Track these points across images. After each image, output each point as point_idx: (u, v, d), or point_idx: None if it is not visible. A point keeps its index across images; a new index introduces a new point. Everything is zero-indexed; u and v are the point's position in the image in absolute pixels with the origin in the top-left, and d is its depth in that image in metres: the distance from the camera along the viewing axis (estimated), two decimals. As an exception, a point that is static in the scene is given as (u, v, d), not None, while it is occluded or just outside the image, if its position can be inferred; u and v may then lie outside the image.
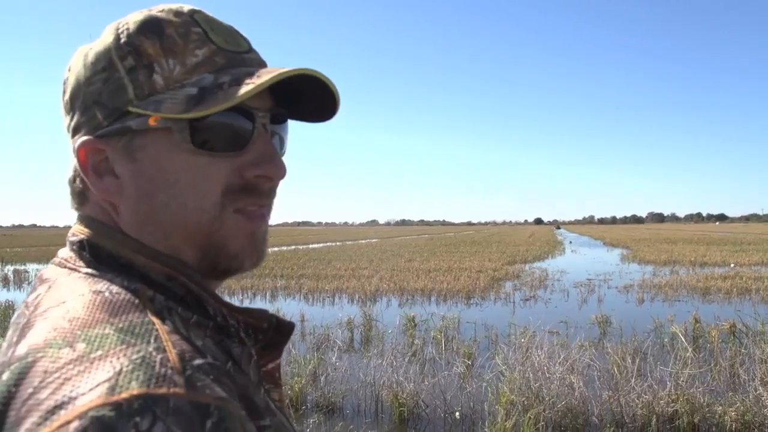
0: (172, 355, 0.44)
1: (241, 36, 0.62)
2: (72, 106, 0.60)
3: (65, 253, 0.60)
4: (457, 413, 5.44)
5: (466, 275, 16.19)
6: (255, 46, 0.64)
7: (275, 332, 0.61)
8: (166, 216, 0.57)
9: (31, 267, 22.66)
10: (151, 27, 0.57)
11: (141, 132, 0.56)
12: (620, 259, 24.65)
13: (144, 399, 0.40)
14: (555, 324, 9.16)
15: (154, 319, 0.48)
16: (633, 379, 5.52)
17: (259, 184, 0.59)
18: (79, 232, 0.60)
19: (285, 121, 0.65)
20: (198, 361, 0.45)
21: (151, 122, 0.56)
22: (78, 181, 0.62)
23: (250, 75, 0.56)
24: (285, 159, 0.62)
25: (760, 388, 5.34)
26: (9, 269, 21.62)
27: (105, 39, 0.59)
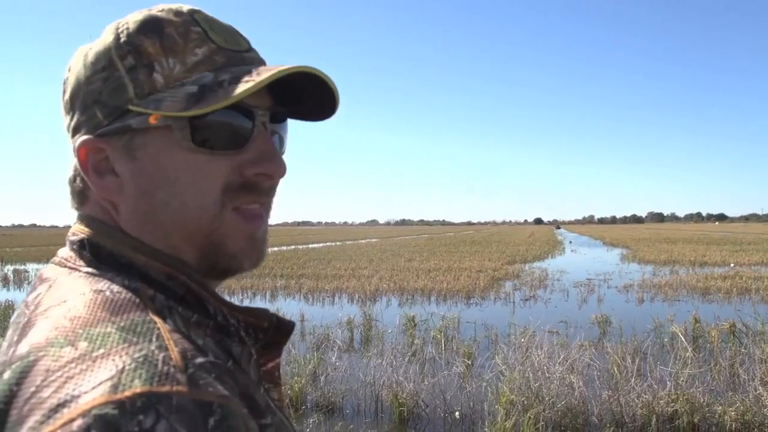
0: (175, 353, 0.44)
1: (241, 35, 0.63)
2: (72, 106, 0.60)
3: (65, 252, 0.60)
4: (457, 413, 5.44)
5: (465, 275, 16.19)
6: (254, 45, 0.64)
7: (275, 331, 0.61)
8: (166, 214, 0.57)
9: (31, 267, 22.65)
10: (151, 26, 0.58)
11: (141, 130, 0.57)
12: (620, 259, 24.66)
13: (147, 397, 0.40)
14: (555, 324, 9.16)
15: (156, 318, 0.48)
16: (633, 379, 5.52)
17: (259, 182, 0.59)
18: (79, 231, 0.60)
19: (284, 120, 0.65)
20: (200, 360, 0.45)
21: (152, 121, 0.56)
22: (78, 180, 0.62)
23: (250, 73, 0.56)
24: (285, 158, 0.62)
25: (759, 387, 5.34)
26: (9, 269, 21.62)
27: (105, 39, 0.59)
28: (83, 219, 0.61)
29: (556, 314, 10.44)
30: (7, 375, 0.44)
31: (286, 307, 11.54)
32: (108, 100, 0.57)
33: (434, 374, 6.25)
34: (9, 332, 0.53)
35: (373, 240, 50.73)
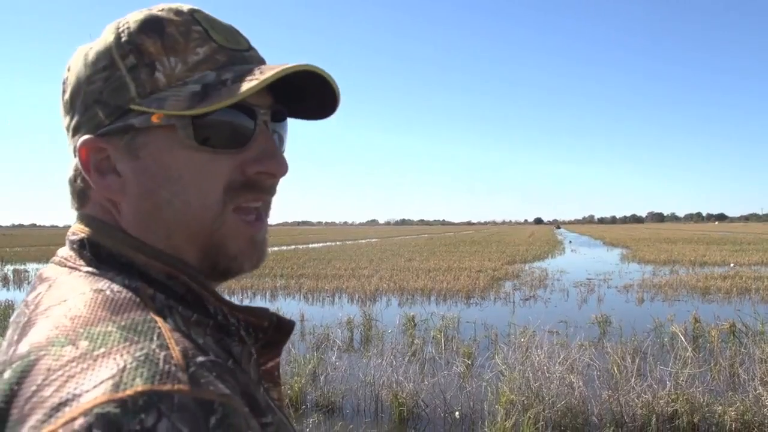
0: (176, 352, 0.44)
1: (240, 34, 0.63)
2: (72, 106, 0.60)
3: (65, 252, 0.60)
4: (457, 413, 5.44)
5: (465, 275, 16.18)
6: (253, 45, 0.64)
7: (275, 331, 0.61)
8: (168, 213, 0.57)
9: (31, 266, 22.65)
10: (151, 26, 0.58)
11: (143, 130, 0.57)
12: (620, 259, 24.65)
13: (149, 396, 0.40)
14: (555, 324, 9.16)
15: (156, 317, 0.48)
16: (633, 379, 5.52)
17: (260, 181, 0.60)
18: (79, 231, 0.60)
19: (284, 119, 0.65)
20: (201, 358, 0.45)
21: (154, 120, 0.56)
22: (79, 180, 0.62)
23: (253, 72, 0.56)
24: (285, 157, 0.62)
25: (759, 387, 5.34)
26: (9, 269, 21.61)
27: (105, 38, 0.59)
28: (83, 218, 0.61)
29: (556, 314, 10.44)
30: (7, 374, 0.44)
31: (286, 307, 11.54)
32: (109, 100, 0.57)
33: (434, 374, 6.25)
34: (9, 332, 0.53)
35: (373, 240, 50.72)
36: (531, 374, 5.49)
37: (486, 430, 4.93)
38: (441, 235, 62.69)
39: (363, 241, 48.72)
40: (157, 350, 0.44)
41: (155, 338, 0.45)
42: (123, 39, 0.57)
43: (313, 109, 0.65)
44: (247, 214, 0.60)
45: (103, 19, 0.62)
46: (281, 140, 0.65)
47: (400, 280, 14.99)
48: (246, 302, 12.09)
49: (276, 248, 33.57)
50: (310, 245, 39.32)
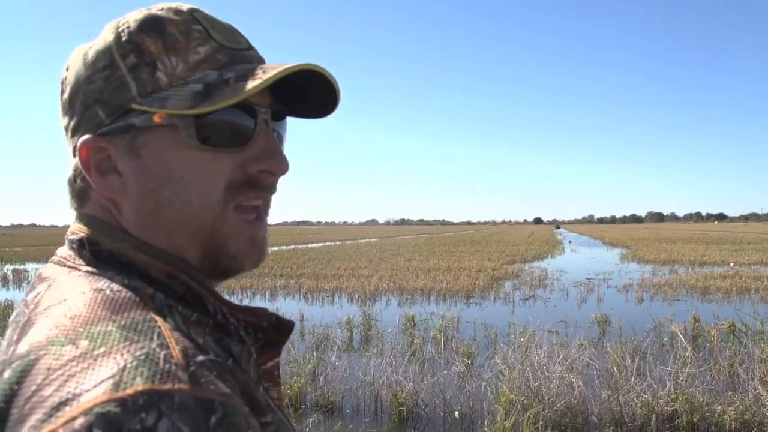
0: (176, 351, 0.44)
1: (240, 34, 0.63)
2: (71, 105, 0.60)
3: (64, 251, 0.60)
4: (457, 412, 5.44)
5: (465, 275, 16.18)
6: (252, 44, 0.64)
7: (275, 331, 0.61)
8: (170, 213, 0.57)
9: (31, 266, 22.63)
10: (152, 25, 0.58)
11: (145, 129, 0.57)
12: (620, 259, 24.65)
13: (149, 395, 0.40)
14: (554, 323, 9.17)
15: (156, 317, 0.48)
16: (632, 379, 5.52)
17: (261, 179, 0.60)
18: (78, 230, 0.60)
19: (284, 118, 0.65)
20: (201, 358, 0.46)
21: (156, 119, 0.56)
22: (79, 180, 0.61)
23: (255, 71, 0.57)
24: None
25: (759, 387, 5.35)
26: (8, 268, 21.60)
27: (105, 37, 0.59)
28: (82, 218, 0.61)
29: (555, 314, 10.44)
30: (7, 374, 0.44)
31: (286, 307, 11.53)
32: (110, 99, 0.57)
33: (434, 374, 6.25)
34: (8, 331, 0.53)
35: (373, 240, 50.72)
36: (531, 374, 5.49)
37: (486, 429, 4.94)
38: (441, 235, 62.69)
39: (363, 240, 48.72)
40: (158, 349, 0.44)
41: (155, 337, 0.45)
42: (123, 38, 0.57)
43: (313, 108, 0.66)
44: (247, 213, 0.60)
45: (103, 19, 0.62)
46: (280, 139, 0.65)
47: (399, 280, 14.99)
48: (246, 302, 12.11)
49: (275, 248, 33.56)
50: (310, 245, 39.31)
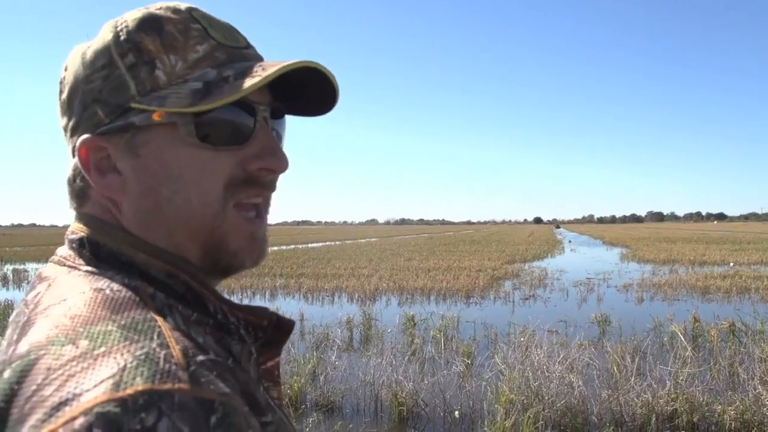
0: (176, 351, 0.44)
1: (238, 32, 0.63)
2: (70, 105, 0.60)
3: (64, 251, 0.59)
4: (457, 412, 5.44)
5: (465, 274, 16.18)
6: (251, 43, 0.64)
7: (275, 330, 0.61)
8: (170, 211, 0.57)
9: (31, 266, 22.63)
10: (150, 24, 0.58)
11: (144, 128, 0.57)
12: (620, 258, 24.65)
13: (149, 395, 0.40)
14: (554, 323, 9.17)
15: (156, 316, 0.48)
16: (632, 378, 5.52)
17: (261, 177, 0.60)
18: (78, 230, 0.60)
19: (282, 116, 0.65)
20: (201, 357, 0.45)
21: (155, 117, 0.56)
22: (78, 180, 0.61)
23: (254, 68, 0.57)
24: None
25: (759, 387, 5.35)
26: (8, 268, 21.60)
27: (104, 36, 0.59)
28: (82, 218, 0.61)
29: (555, 313, 10.44)
30: (7, 374, 0.44)
31: (286, 307, 11.53)
32: (109, 98, 0.57)
33: (434, 373, 6.25)
34: (8, 331, 0.53)
35: (373, 239, 50.72)
36: (531, 374, 5.49)
37: (485, 429, 4.94)
38: (440, 235, 62.69)
39: (362, 240, 48.72)
40: (158, 349, 0.44)
41: (155, 337, 0.45)
42: (122, 37, 0.57)
43: (311, 106, 0.66)
44: (247, 211, 0.60)
45: (104, 19, 0.62)
46: (280, 137, 0.65)
47: (399, 280, 14.99)
48: (246, 301, 12.07)
49: (276, 248, 33.57)
50: (310, 245, 39.32)
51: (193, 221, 0.57)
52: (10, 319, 0.55)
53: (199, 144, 0.56)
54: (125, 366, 0.41)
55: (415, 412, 5.59)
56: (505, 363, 5.95)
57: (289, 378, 6.01)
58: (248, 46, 0.62)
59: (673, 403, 5.10)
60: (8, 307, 11.04)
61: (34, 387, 0.41)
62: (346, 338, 8.76)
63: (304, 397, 5.95)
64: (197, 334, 0.52)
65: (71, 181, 0.62)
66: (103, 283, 0.52)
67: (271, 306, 11.21)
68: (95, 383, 0.40)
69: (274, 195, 0.64)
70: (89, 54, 0.59)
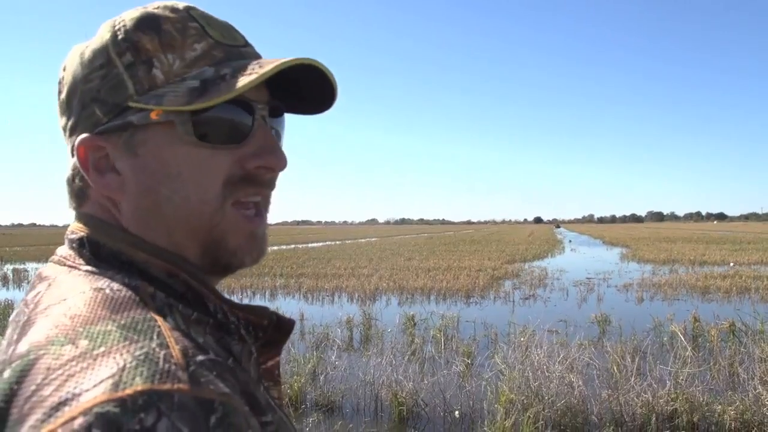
0: (176, 351, 0.44)
1: (236, 31, 0.63)
2: (69, 105, 0.60)
3: (64, 251, 0.59)
4: (457, 412, 5.44)
5: (465, 274, 16.18)
6: (249, 41, 0.64)
7: (275, 330, 0.61)
8: (169, 210, 0.57)
9: (31, 266, 22.63)
10: (148, 23, 0.58)
11: (142, 127, 0.57)
12: (620, 258, 24.65)
13: (148, 395, 0.40)
14: (554, 323, 9.16)
15: (156, 316, 0.48)
16: (632, 378, 5.52)
17: (260, 175, 0.60)
18: (78, 229, 0.60)
19: (281, 114, 0.65)
20: (201, 357, 0.45)
21: (153, 116, 0.56)
22: (77, 179, 0.61)
23: (251, 66, 0.57)
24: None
25: (759, 386, 5.35)
26: (8, 268, 21.60)
27: (102, 36, 0.59)
28: (82, 217, 0.61)
29: (555, 313, 10.44)
30: (7, 373, 0.44)
31: (286, 306, 11.53)
32: (107, 98, 0.57)
33: (434, 373, 6.25)
34: (8, 331, 0.53)
35: (373, 239, 50.72)
36: (531, 373, 5.49)
37: (486, 429, 4.94)
38: (441, 235, 62.69)
39: (363, 240, 48.72)
40: (157, 349, 0.43)
41: (155, 337, 0.45)
42: (119, 37, 0.57)
43: (310, 104, 0.66)
44: (246, 209, 0.60)
45: (103, 19, 0.62)
46: (278, 136, 0.65)
47: (399, 280, 14.99)
48: (246, 301, 12.06)
49: (275, 247, 33.57)
50: (310, 244, 39.32)
51: (192, 219, 0.57)
52: (10, 318, 0.55)
53: (197, 142, 0.56)
54: (125, 366, 0.41)
55: (415, 412, 5.59)
56: (505, 363, 5.95)
57: (289, 378, 6.01)
58: (246, 44, 0.62)
59: (673, 402, 5.10)
60: (8, 306, 11.04)
61: (33, 387, 0.41)
62: (346, 338, 8.75)
63: (304, 397, 5.95)
64: (197, 333, 0.52)
65: (70, 181, 0.62)
66: (103, 282, 0.52)
67: (271, 306, 11.19)
68: (95, 383, 0.40)
69: (273, 193, 0.64)
70: (87, 54, 0.59)
